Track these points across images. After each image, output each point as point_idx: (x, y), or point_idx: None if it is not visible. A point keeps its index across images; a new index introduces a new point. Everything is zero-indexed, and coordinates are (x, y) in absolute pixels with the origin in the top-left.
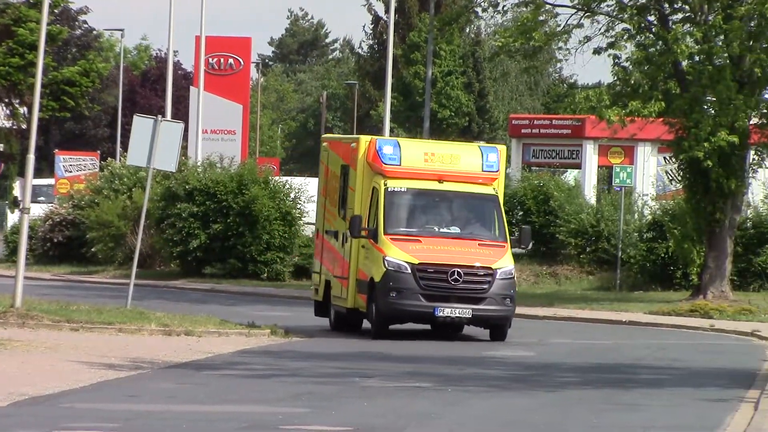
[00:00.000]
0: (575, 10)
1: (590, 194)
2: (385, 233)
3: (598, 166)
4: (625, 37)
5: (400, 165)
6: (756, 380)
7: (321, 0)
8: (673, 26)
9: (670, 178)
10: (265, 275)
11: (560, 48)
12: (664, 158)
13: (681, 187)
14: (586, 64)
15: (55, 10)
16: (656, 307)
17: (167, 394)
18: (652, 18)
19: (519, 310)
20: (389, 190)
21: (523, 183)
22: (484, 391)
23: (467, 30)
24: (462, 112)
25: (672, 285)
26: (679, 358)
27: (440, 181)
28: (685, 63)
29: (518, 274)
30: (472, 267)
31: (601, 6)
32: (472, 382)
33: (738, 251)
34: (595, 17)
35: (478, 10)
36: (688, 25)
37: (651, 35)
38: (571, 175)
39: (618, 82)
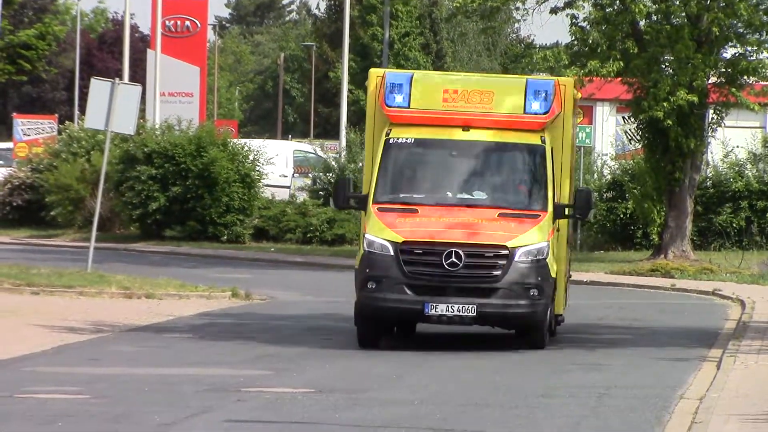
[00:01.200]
0: None
1: None
2: (374, 202)
3: None
4: None
5: (408, 107)
6: (718, 339)
7: None
8: None
9: (629, 137)
10: (225, 238)
11: (517, 8)
12: (623, 118)
13: (640, 146)
14: (544, 24)
15: None
16: (617, 267)
17: (129, 357)
18: None
19: None
20: (390, 142)
21: None
22: (446, 352)
23: None
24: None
25: (632, 245)
26: (641, 318)
27: (465, 127)
28: (642, 22)
29: None
30: (478, 246)
31: None
32: (435, 344)
33: (698, 210)
34: None
35: None
36: None
37: None
38: None
39: (576, 42)
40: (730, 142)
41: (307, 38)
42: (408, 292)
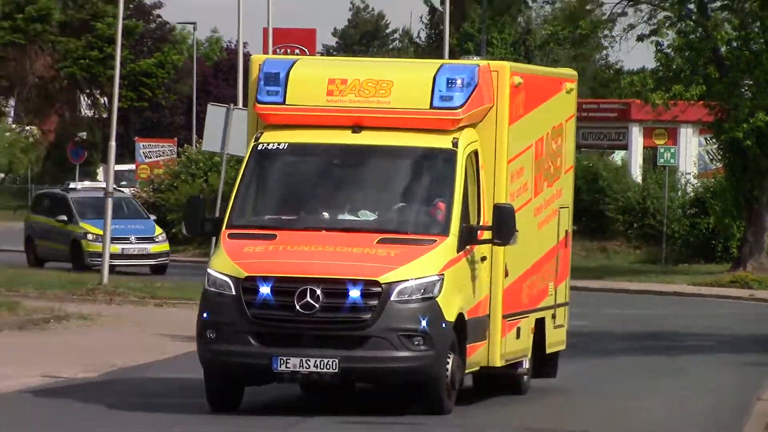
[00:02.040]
0: (620, 0)
1: (636, 173)
2: (228, 226)
3: (644, 147)
4: (666, 25)
5: (284, 103)
6: None
7: None
8: (712, 14)
9: (711, 157)
10: None
11: (606, 35)
12: (705, 139)
13: (721, 165)
14: (631, 51)
15: (131, 5)
16: (699, 278)
17: None
18: (692, 6)
19: (574, 282)
20: (258, 148)
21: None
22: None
23: (518, 19)
24: None
25: (714, 258)
26: (721, 326)
27: (355, 128)
28: (723, 49)
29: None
30: (340, 282)
31: None
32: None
33: None
34: (638, 6)
35: (529, 1)
36: (726, 12)
37: (691, 23)
38: (618, 156)
39: (661, 68)
40: None
41: None
42: (252, 342)
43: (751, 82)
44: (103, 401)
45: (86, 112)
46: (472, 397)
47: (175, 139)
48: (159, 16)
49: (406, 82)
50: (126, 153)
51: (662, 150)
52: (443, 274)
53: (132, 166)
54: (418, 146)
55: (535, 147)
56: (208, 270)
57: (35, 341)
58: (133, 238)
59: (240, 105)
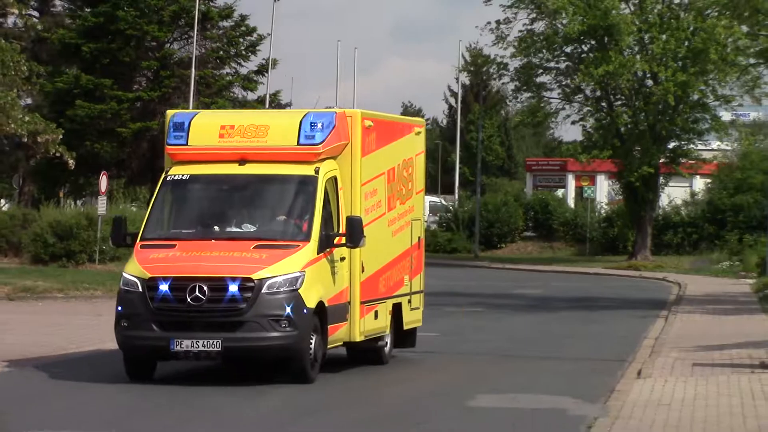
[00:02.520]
0: (560, 99)
1: (571, 203)
2: (141, 239)
3: (575, 187)
4: (589, 114)
5: (187, 144)
6: (666, 305)
7: (420, 96)
8: (616, 108)
9: (615, 192)
10: None
11: (553, 120)
12: (612, 182)
13: (622, 197)
14: (568, 130)
15: (272, 104)
16: (608, 264)
17: None
18: (604, 104)
19: (533, 267)
20: (167, 179)
21: (533, 197)
22: (514, 313)
23: (501, 111)
24: (499, 157)
25: (617, 252)
26: (622, 293)
27: (241, 161)
28: (623, 129)
29: (529, 249)
30: (221, 279)
31: (575, 97)
32: (506, 308)
33: (654, 233)
34: (572, 103)
35: (507, 100)
36: (625, 107)
37: (603, 113)
38: (559, 192)
39: (585, 140)
40: (673, 194)
41: (436, 138)
42: (155, 328)
43: (639, 148)
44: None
45: None
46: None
47: None
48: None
49: (279, 126)
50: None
51: (586, 188)
52: (305, 271)
53: None
54: (288, 174)
55: (387, 174)
56: (123, 273)
57: None
58: None
59: None
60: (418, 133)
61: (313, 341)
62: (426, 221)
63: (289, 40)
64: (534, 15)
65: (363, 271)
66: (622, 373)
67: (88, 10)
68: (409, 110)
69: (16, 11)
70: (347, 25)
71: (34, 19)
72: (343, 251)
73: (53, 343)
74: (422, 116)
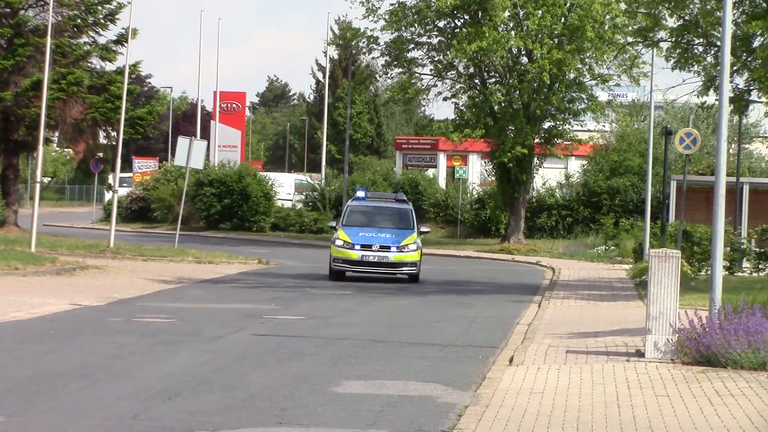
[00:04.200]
0: (432, 76)
1: (442, 183)
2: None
3: (447, 167)
4: (462, 92)
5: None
6: (539, 290)
7: (287, 70)
8: (489, 86)
9: (488, 173)
10: (254, 228)
11: (424, 98)
12: (484, 162)
13: (495, 178)
14: (440, 107)
15: (132, 75)
16: (480, 247)
17: (198, 297)
18: (477, 81)
19: None
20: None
21: (403, 177)
22: (383, 296)
23: (370, 87)
24: (368, 135)
25: (489, 235)
26: (494, 277)
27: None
28: (496, 107)
29: None
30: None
31: (448, 74)
32: (376, 291)
33: (528, 215)
34: (444, 80)
35: (377, 76)
36: (498, 85)
37: (477, 91)
38: (430, 172)
39: (457, 118)
40: (547, 176)
41: (303, 114)
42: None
43: (512, 128)
44: (107, 318)
45: (103, 140)
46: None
47: (157, 158)
48: (149, 81)
49: None
50: (126, 166)
51: (458, 169)
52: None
53: (130, 174)
54: None
55: None
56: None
57: (66, 282)
58: (376, 246)
59: (198, 137)
60: None
61: None
62: (291, 200)
63: (150, 9)
64: None
65: None
66: (493, 360)
67: None
68: (275, 84)
69: None
70: None
71: None
72: None
73: None
74: (288, 91)
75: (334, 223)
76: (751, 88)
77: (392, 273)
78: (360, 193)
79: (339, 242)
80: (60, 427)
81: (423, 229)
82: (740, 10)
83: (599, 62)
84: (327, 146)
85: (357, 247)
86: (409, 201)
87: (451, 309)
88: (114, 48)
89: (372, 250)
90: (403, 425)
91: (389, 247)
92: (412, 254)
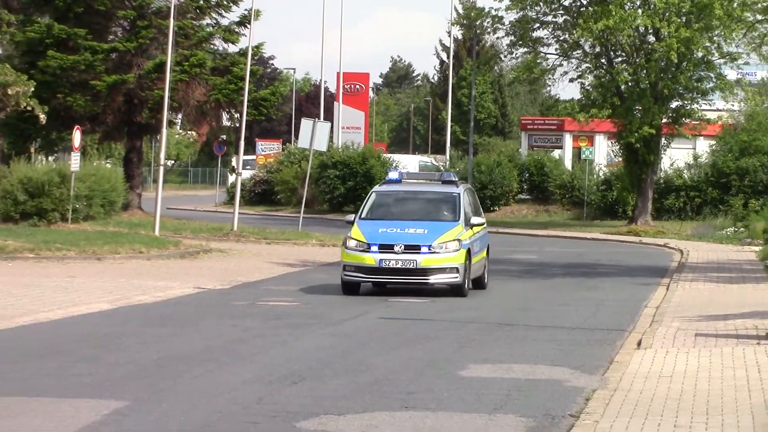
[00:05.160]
0: (557, 55)
1: (568, 164)
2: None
3: (573, 148)
4: (588, 71)
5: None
6: (667, 273)
7: (410, 50)
8: (616, 65)
9: (615, 154)
10: None
11: (549, 78)
12: (611, 142)
13: (621, 159)
14: (565, 87)
15: (255, 57)
16: (607, 229)
17: (323, 280)
18: (603, 60)
19: (527, 231)
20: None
21: (528, 158)
22: (507, 279)
23: (494, 67)
24: (492, 116)
25: (616, 216)
26: (621, 260)
27: None
28: (623, 87)
29: (524, 213)
30: None
31: (573, 53)
32: (500, 274)
33: (655, 197)
34: (570, 60)
35: (501, 56)
36: (625, 64)
37: (603, 70)
38: (556, 153)
39: (583, 98)
40: (675, 156)
41: (427, 95)
42: None
43: (639, 108)
44: (231, 301)
45: (226, 122)
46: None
47: (281, 140)
48: (272, 63)
49: None
50: (249, 148)
51: (584, 149)
52: None
53: (253, 157)
54: None
55: None
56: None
57: (190, 265)
58: (400, 246)
59: (321, 119)
60: None
61: None
62: None
63: None
64: None
65: None
66: (621, 344)
67: None
68: (398, 65)
69: None
70: None
71: None
72: None
73: (23, 306)
74: (412, 71)
75: (352, 217)
76: None
77: (423, 283)
78: (393, 174)
79: (351, 243)
80: (184, 411)
81: (475, 220)
82: None
83: (728, 40)
84: (451, 127)
85: (374, 248)
86: (460, 182)
87: (578, 292)
88: (236, 29)
89: (394, 252)
90: (529, 409)
91: (419, 247)
92: (452, 256)
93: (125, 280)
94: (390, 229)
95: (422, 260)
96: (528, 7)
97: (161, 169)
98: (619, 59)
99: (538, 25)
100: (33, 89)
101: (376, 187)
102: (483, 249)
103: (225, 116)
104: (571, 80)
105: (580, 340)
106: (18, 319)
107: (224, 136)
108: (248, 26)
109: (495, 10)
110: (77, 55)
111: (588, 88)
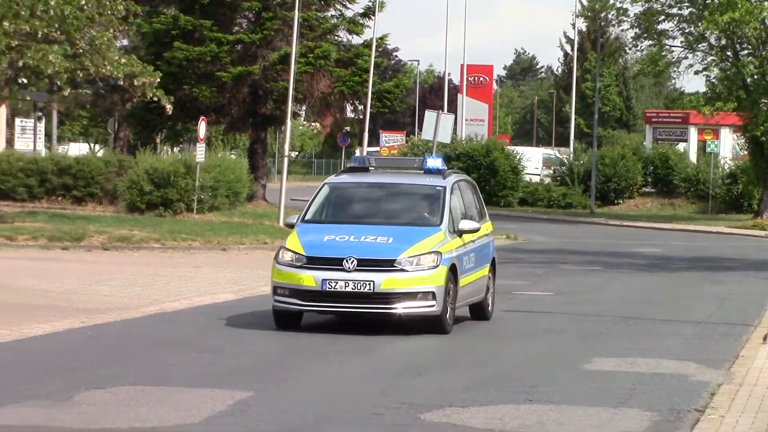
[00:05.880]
0: (683, 48)
1: (693, 157)
2: None
3: (698, 141)
4: (713, 64)
5: None
6: None
7: (534, 42)
8: (742, 58)
9: (740, 147)
10: (501, 203)
11: (674, 70)
12: (736, 136)
13: (747, 152)
14: (690, 80)
15: (379, 49)
16: (732, 223)
17: None
18: (729, 53)
19: (652, 224)
20: None
21: (653, 151)
22: (631, 272)
23: (619, 60)
24: (617, 109)
25: (742, 210)
26: (746, 254)
27: None
28: (749, 80)
29: (648, 206)
30: None
31: (699, 46)
32: (624, 267)
33: None
34: (695, 52)
35: (626, 48)
36: (751, 57)
37: (728, 63)
38: (681, 146)
39: (708, 91)
40: None
41: (550, 88)
42: None
43: (766, 101)
44: None
45: (350, 114)
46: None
47: (404, 131)
48: (396, 55)
49: None
50: (373, 140)
51: (709, 143)
52: None
53: (377, 148)
54: None
55: None
56: None
57: None
58: (351, 261)
59: (445, 111)
60: None
61: None
62: (539, 174)
63: None
64: None
65: None
66: (747, 338)
67: None
68: (522, 57)
69: None
70: None
71: None
72: None
73: (150, 295)
74: (536, 63)
75: (294, 219)
76: None
77: (384, 311)
78: (357, 156)
79: (285, 256)
80: (307, 402)
81: (465, 225)
82: None
83: None
84: (575, 120)
85: (315, 263)
86: (451, 172)
87: (703, 286)
88: (361, 21)
89: (343, 269)
90: (655, 403)
91: (378, 262)
92: (426, 275)
93: (249, 270)
94: (340, 236)
95: (382, 281)
96: (653, 0)
97: (285, 160)
98: (745, 52)
99: (663, 17)
100: (159, 80)
101: (331, 178)
102: (483, 265)
103: (349, 108)
104: (696, 73)
105: (705, 335)
106: (144, 308)
107: (348, 128)
108: (372, 18)
109: (620, 2)
110: (203, 46)
111: (713, 81)
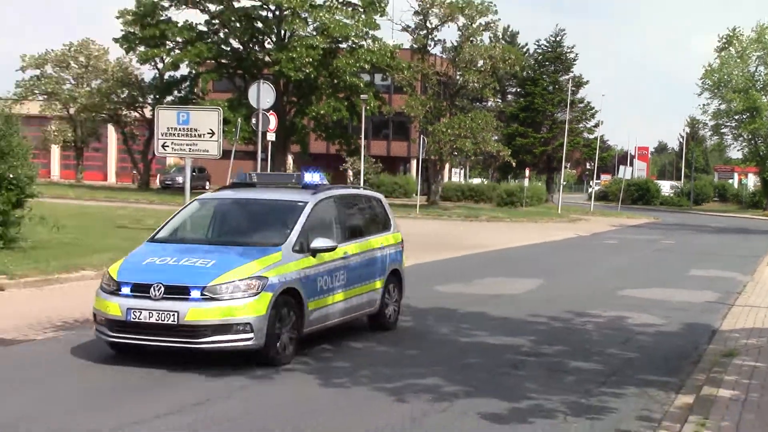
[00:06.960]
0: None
1: (735, 185)
2: None
3: (738, 179)
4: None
5: None
6: None
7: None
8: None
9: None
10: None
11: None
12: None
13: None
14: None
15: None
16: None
17: None
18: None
19: (719, 215)
20: None
21: (718, 182)
22: (712, 233)
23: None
24: (701, 163)
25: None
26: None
27: None
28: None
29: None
30: None
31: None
32: (706, 231)
33: None
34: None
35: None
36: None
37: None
38: (730, 180)
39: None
40: None
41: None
42: None
43: None
44: (588, 242)
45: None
46: None
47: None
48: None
49: None
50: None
51: (743, 180)
52: None
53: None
54: None
55: None
56: None
57: (572, 226)
58: (158, 288)
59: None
60: None
61: None
62: (668, 192)
63: None
64: None
65: None
66: (762, 259)
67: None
68: (660, 144)
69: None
70: None
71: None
72: None
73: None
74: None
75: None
76: None
77: (189, 345)
78: (242, 172)
79: (103, 280)
80: (576, 285)
81: (317, 243)
82: None
83: None
84: (684, 171)
85: (125, 290)
86: (331, 187)
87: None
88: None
89: (149, 298)
90: (719, 289)
91: (185, 290)
92: (241, 304)
93: (544, 231)
94: (161, 258)
95: (187, 311)
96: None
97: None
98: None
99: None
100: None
101: (203, 195)
102: (370, 279)
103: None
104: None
105: (738, 261)
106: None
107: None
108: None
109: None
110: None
111: (746, 154)
